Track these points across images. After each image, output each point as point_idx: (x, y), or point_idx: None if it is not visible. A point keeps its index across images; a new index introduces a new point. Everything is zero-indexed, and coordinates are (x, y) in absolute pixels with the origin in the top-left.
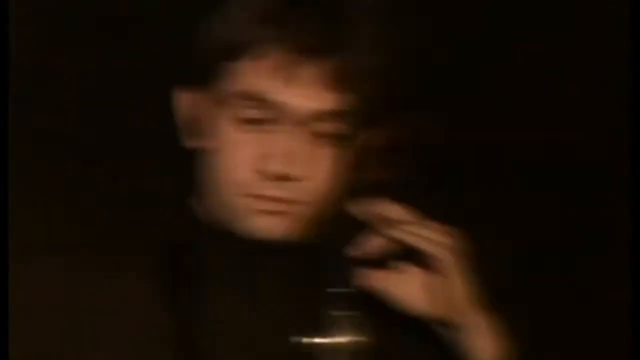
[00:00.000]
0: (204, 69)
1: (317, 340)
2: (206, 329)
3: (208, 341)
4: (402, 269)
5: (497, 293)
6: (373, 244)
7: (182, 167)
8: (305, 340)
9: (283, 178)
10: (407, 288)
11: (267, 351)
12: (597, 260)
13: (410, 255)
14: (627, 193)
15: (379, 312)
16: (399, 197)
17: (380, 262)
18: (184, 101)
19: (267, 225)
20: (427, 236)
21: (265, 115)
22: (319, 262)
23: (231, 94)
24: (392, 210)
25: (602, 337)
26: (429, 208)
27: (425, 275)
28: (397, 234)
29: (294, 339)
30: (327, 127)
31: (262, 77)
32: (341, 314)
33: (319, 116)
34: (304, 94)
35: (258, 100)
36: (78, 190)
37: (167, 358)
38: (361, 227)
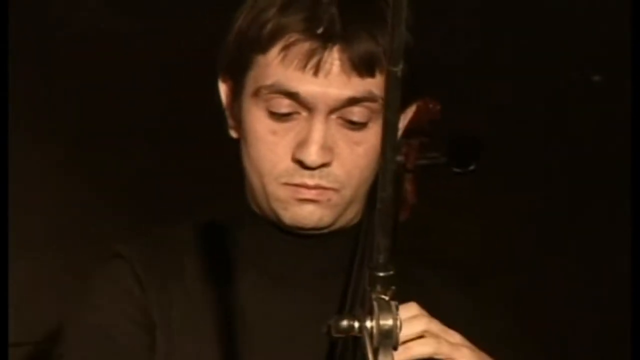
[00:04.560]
0: (236, 61)
1: (363, 323)
2: (253, 316)
3: (251, 326)
4: None
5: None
6: None
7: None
8: (350, 324)
9: (321, 167)
10: None
11: (311, 336)
12: (598, 261)
13: None
14: (627, 193)
15: None
16: (427, 180)
17: None
18: (225, 92)
19: (309, 212)
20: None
21: (297, 107)
22: (360, 247)
23: (262, 87)
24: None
25: (602, 340)
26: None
27: None
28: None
29: (339, 323)
30: (360, 111)
31: (291, 68)
32: (386, 297)
33: (351, 102)
34: (333, 82)
35: (289, 94)
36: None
37: (213, 334)
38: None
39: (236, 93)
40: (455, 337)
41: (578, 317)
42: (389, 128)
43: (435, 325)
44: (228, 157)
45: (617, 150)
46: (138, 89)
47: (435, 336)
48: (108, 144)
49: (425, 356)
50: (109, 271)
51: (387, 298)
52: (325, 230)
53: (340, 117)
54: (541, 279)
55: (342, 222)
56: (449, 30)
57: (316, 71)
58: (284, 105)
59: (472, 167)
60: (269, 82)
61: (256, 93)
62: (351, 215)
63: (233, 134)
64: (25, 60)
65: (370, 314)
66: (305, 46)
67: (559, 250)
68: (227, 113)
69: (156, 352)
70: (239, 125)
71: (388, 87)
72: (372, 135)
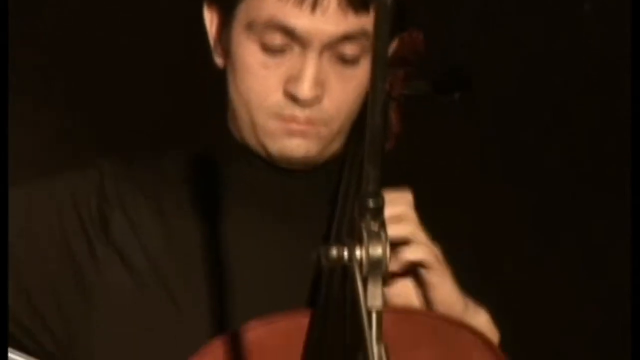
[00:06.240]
0: None
1: (353, 253)
2: (237, 244)
3: (236, 257)
4: (399, 281)
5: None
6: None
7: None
8: (339, 253)
9: (313, 101)
10: (403, 296)
11: (298, 268)
12: (597, 260)
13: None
14: (627, 191)
15: None
16: (413, 112)
17: None
18: (212, 20)
19: (297, 145)
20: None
21: (291, 42)
22: (344, 177)
23: (257, 21)
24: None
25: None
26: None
27: (419, 287)
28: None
29: (329, 252)
30: (352, 48)
31: (289, 4)
32: (375, 227)
33: (345, 39)
34: (329, 19)
35: (284, 29)
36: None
37: (199, 267)
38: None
39: (225, 23)
40: (437, 251)
41: (577, 316)
42: (378, 59)
43: (420, 234)
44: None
45: (616, 148)
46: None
47: (423, 244)
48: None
49: (413, 262)
50: (77, 173)
51: (376, 228)
52: (310, 165)
53: (332, 54)
54: (539, 278)
55: (327, 154)
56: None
57: (313, 8)
58: (277, 39)
59: (456, 96)
60: (264, 16)
61: (249, 26)
62: (337, 146)
63: (219, 63)
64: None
65: (359, 243)
66: None
67: (558, 248)
68: (214, 42)
69: (116, 276)
70: (227, 55)
71: (378, 18)
72: (362, 72)
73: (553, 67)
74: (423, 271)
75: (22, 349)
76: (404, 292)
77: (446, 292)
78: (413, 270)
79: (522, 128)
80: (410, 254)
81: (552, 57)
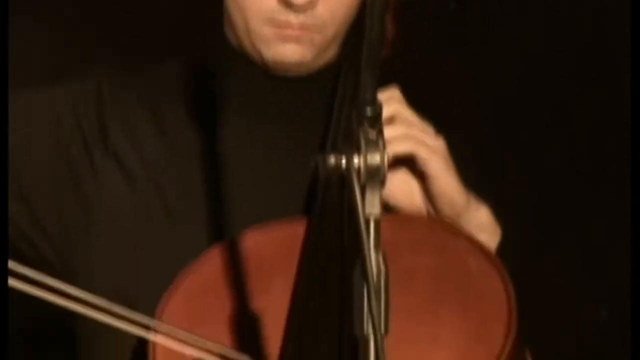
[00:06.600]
0: None
1: (350, 161)
2: (235, 152)
3: (234, 165)
4: (397, 172)
5: None
6: None
7: None
8: (337, 161)
9: (306, 6)
10: (406, 191)
11: (295, 174)
12: (597, 260)
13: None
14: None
15: None
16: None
17: None
18: None
19: (292, 51)
20: (421, 140)
21: None
22: (341, 85)
23: None
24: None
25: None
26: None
27: (418, 178)
28: (396, 146)
29: (327, 160)
30: None
31: None
32: (373, 135)
33: None
34: None
35: None
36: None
37: (198, 176)
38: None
39: None
40: (435, 141)
41: (577, 316)
42: None
43: (416, 128)
44: None
45: (616, 148)
46: None
47: (415, 138)
48: None
49: (401, 156)
50: (76, 82)
51: (374, 136)
52: (305, 73)
53: None
54: (539, 278)
55: (322, 61)
56: None
57: None
58: None
59: (452, 6)
60: None
61: None
62: (332, 53)
63: None
64: None
65: (357, 151)
66: None
67: (558, 248)
68: None
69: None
70: None
71: None
72: None
73: (553, 67)
74: (420, 163)
75: (22, 257)
76: (406, 188)
77: (447, 184)
78: (412, 164)
79: (522, 128)
80: (398, 146)
81: (552, 57)
